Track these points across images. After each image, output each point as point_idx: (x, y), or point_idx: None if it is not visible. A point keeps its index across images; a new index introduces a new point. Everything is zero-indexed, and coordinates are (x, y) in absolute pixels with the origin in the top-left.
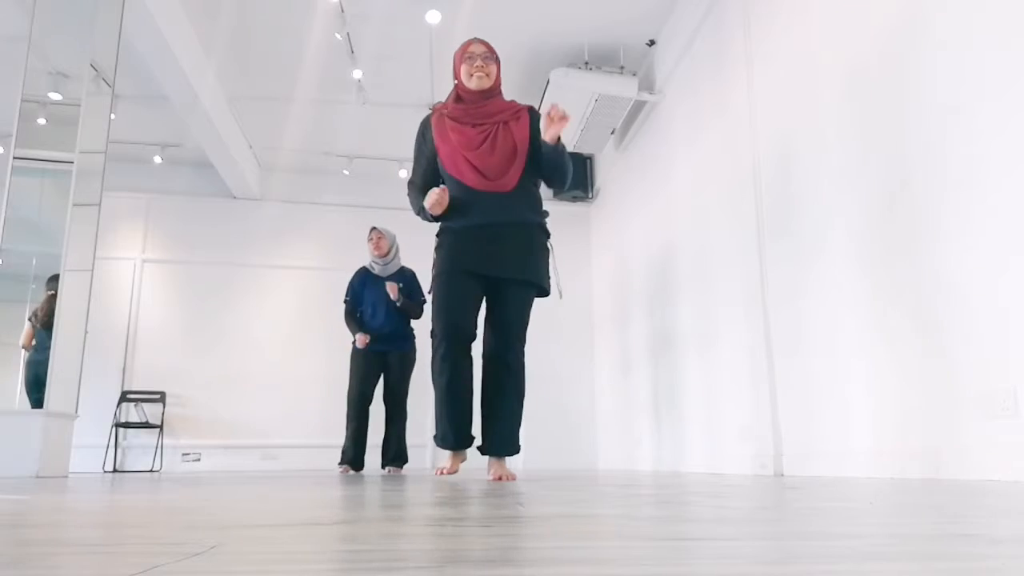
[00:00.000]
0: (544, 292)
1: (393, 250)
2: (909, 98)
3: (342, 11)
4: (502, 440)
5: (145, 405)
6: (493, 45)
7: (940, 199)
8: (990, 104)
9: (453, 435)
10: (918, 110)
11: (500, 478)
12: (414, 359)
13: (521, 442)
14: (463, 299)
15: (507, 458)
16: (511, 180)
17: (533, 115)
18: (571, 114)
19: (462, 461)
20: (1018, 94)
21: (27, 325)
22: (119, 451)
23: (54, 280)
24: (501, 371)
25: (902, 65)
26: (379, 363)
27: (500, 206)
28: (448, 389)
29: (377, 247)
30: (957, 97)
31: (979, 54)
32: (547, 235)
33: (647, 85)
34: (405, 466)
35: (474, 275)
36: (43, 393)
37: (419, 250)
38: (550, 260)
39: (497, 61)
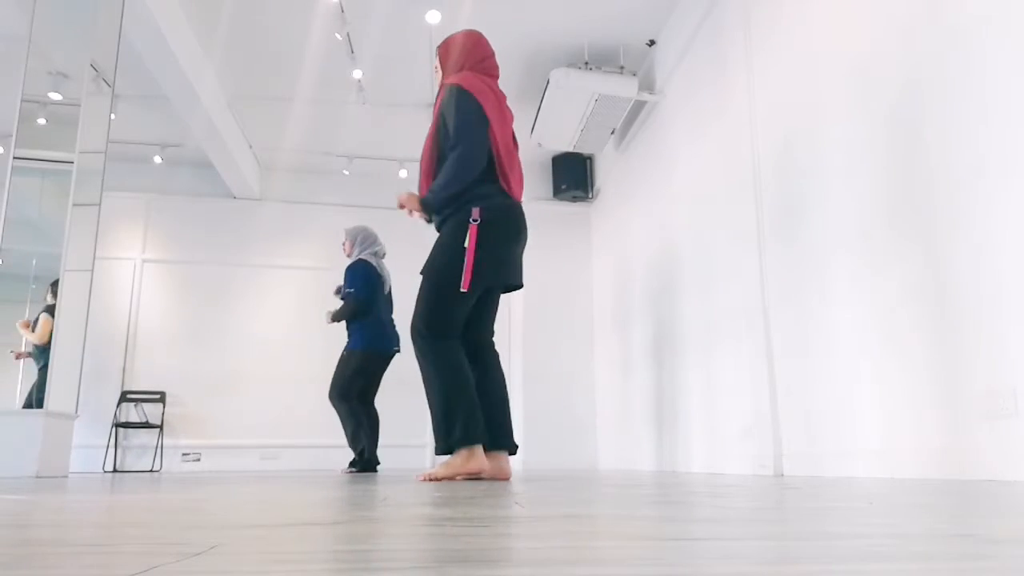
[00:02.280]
0: (443, 283)
1: (357, 249)
2: (912, 98)
3: (342, 11)
4: (433, 435)
5: (145, 405)
6: (490, 39)
7: (942, 200)
8: (997, 104)
9: None
10: (920, 110)
11: (428, 477)
12: (351, 356)
13: (452, 439)
14: None
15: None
16: (423, 190)
17: (444, 92)
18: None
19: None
20: None
21: (46, 317)
22: (119, 451)
23: (55, 285)
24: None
25: (906, 64)
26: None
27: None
28: None
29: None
30: (963, 97)
31: (989, 52)
32: (465, 222)
33: (647, 85)
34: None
35: None
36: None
37: (417, 246)
38: (467, 241)
39: (442, 53)
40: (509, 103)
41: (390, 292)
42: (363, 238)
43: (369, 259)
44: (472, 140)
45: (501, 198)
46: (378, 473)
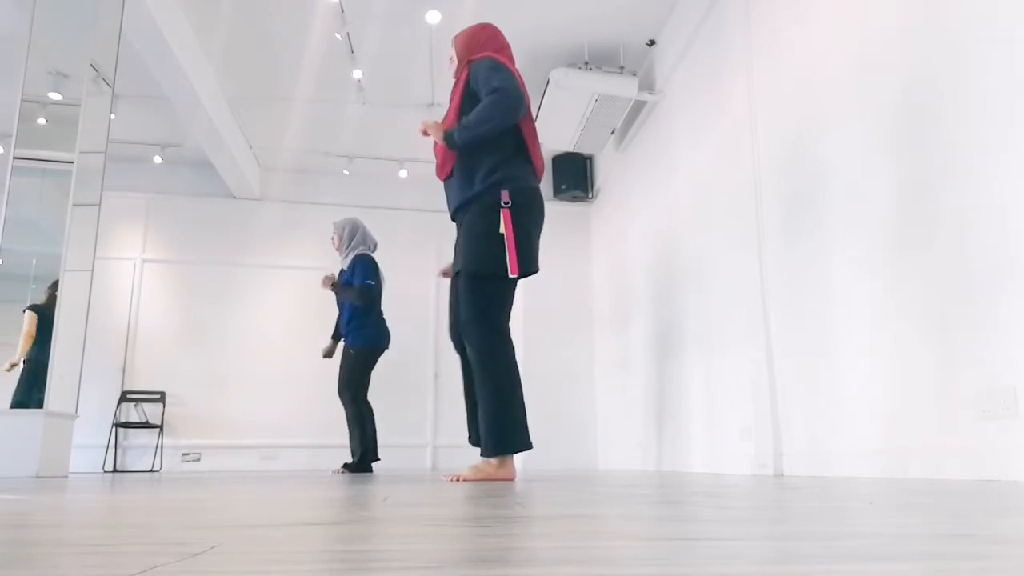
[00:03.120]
0: (486, 273)
1: (346, 242)
2: (912, 98)
3: (342, 11)
4: (482, 438)
5: (145, 405)
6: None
7: (942, 200)
8: (1000, 104)
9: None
10: (921, 110)
11: (456, 478)
12: (358, 353)
13: (510, 443)
14: (450, 301)
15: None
16: (445, 167)
17: (471, 69)
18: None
19: (479, 466)
20: None
21: (29, 314)
22: (119, 451)
23: (54, 286)
24: (469, 363)
25: (907, 62)
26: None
27: (450, 195)
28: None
29: (334, 243)
30: (965, 97)
31: (990, 49)
32: (495, 205)
33: (647, 85)
34: (363, 472)
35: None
36: (36, 395)
37: (418, 246)
38: (502, 231)
39: (459, 45)
40: None
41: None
42: (352, 230)
43: (370, 251)
44: (511, 85)
45: (529, 180)
46: (373, 472)
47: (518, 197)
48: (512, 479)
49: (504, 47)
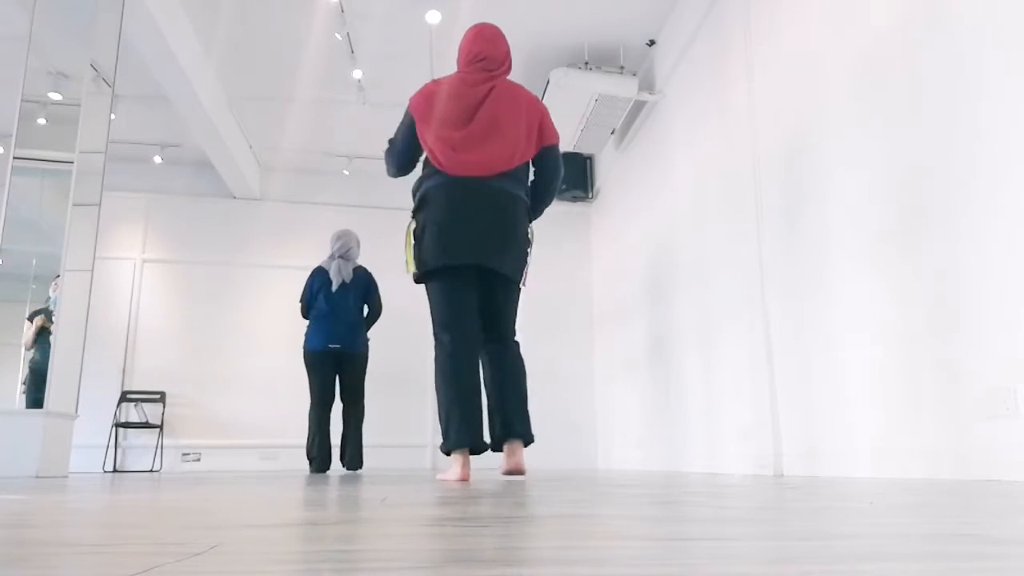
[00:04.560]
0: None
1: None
2: (912, 96)
3: (342, 11)
4: None
5: (145, 405)
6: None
7: (942, 199)
8: (998, 101)
9: None
10: (921, 108)
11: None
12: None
13: (444, 444)
14: None
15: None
16: None
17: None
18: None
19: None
20: None
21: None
22: (119, 451)
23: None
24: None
25: (906, 60)
26: None
27: None
28: None
29: None
30: (964, 94)
31: (989, 46)
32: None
33: (647, 85)
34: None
35: None
36: (42, 392)
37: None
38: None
39: None
40: None
41: (343, 290)
42: (331, 241)
43: (324, 262)
44: (395, 137)
45: (431, 181)
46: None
47: (417, 203)
48: (461, 480)
49: (475, 59)
